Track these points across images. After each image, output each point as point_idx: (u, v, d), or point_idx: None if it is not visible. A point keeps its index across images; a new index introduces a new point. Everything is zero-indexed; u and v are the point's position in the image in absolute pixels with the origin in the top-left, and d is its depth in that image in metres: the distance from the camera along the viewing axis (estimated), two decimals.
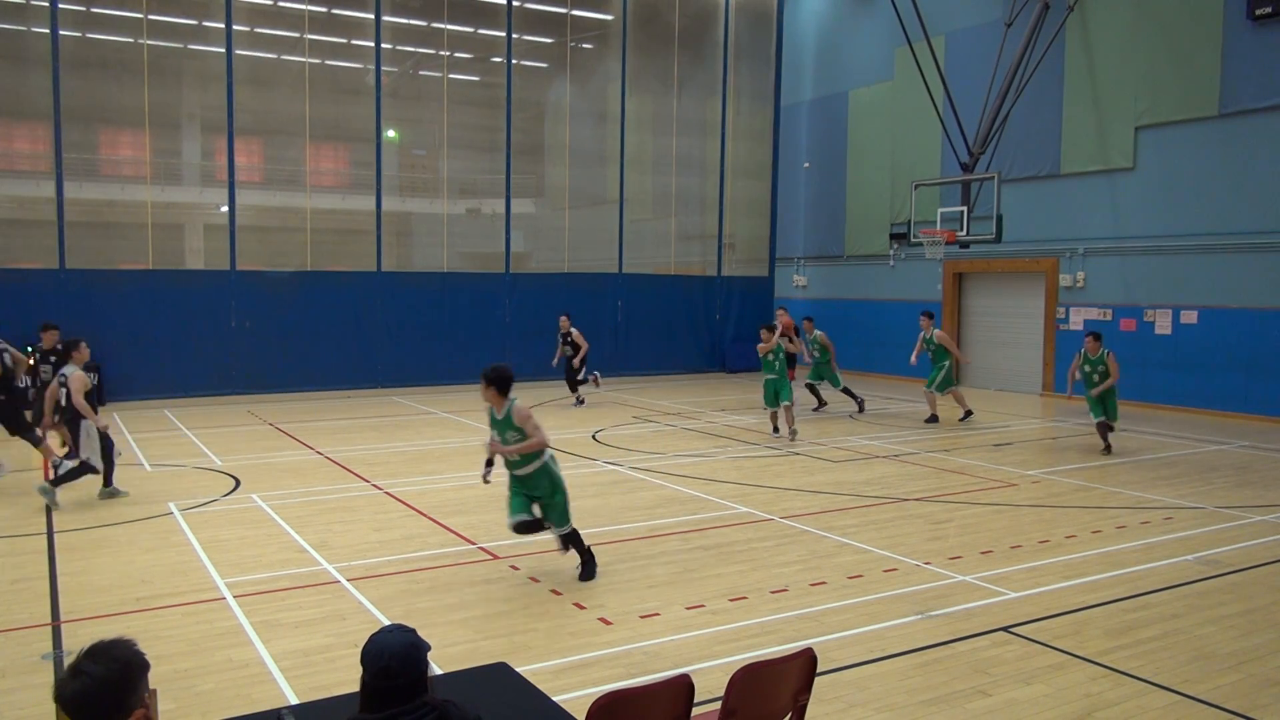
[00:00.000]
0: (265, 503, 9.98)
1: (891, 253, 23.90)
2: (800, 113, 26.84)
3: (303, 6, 20.51)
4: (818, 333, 17.73)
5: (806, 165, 26.80)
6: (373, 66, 20.90)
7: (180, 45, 20.33)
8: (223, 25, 19.29)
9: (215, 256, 19.90)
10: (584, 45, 24.56)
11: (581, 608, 6.78)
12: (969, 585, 7.37)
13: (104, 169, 19.95)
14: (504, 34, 22.17)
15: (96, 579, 7.45)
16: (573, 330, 16.85)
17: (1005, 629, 6.41)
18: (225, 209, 19.65)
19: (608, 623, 6.49)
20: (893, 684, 5.53)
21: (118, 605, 6.83)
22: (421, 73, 23.07)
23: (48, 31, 17.85)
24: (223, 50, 19.32)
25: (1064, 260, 20.16)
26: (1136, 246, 18.84)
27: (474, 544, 8.45)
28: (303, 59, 20.77)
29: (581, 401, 18.36)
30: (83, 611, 6.71)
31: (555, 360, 18.66)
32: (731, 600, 6.97)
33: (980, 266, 22.11)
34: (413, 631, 2.88)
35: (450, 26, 22.14)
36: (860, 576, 7.57)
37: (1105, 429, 13.27)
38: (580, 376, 18.20)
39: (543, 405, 17.81)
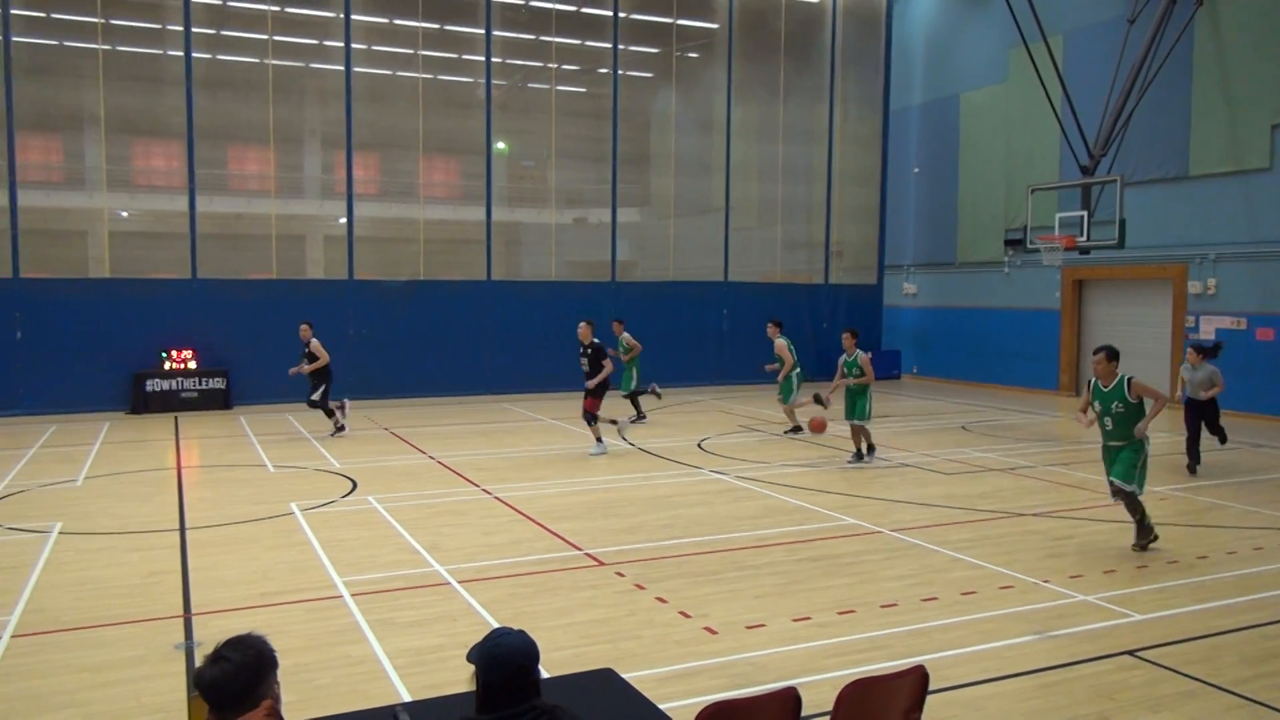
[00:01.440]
0: (380, 505, 10.29)
1: (1006, 259, 23.18)
2: (909, 117, 26.32)
3: (417, 24, 21.15)
4: (625, 335, 17.20)
5: (916, 170, 26.26)
6: (483, 80, 21.40)
7: (303, 64, 21.21)
8: (342, 44, 20.05)
9: (334, 266, 20.67)
10: (689, 55, 24.64)
11: (687, 616, 6.76)
12: (1091, 605, 7.07)
13: (232, 184, 20.97)
14: (610, 45, 22.42)
15: (224, 574, 7.79)
16: (595, 341, 13.96)
17: (1130, 653, 6.12)
18: (344, 221, 20.40)
19: (713, 632, 6.46)
20: (1010, 705, 5.33)
21: (243, 600, 7.13)
22: (530, 85, 23.51)
23: (182, 55, 18.86)
24: (342, 68, 20.08)
25: (1193, 266, 19.20)
26: (1274, 251, 17.82)
27: (579, 550, 8.53)
28: (417, 75, 21.41)
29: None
30: (212, 605, 7.02)
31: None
32: (839, 613, 6.85)
33: (1102, 273, 21.25)
34: (527, 634, 2.92)
35: (558, 40, 22.51)
36: (974, 593, 7.34)
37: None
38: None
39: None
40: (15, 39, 17.76)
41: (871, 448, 13.11)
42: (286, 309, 19.33)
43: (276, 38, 20.13)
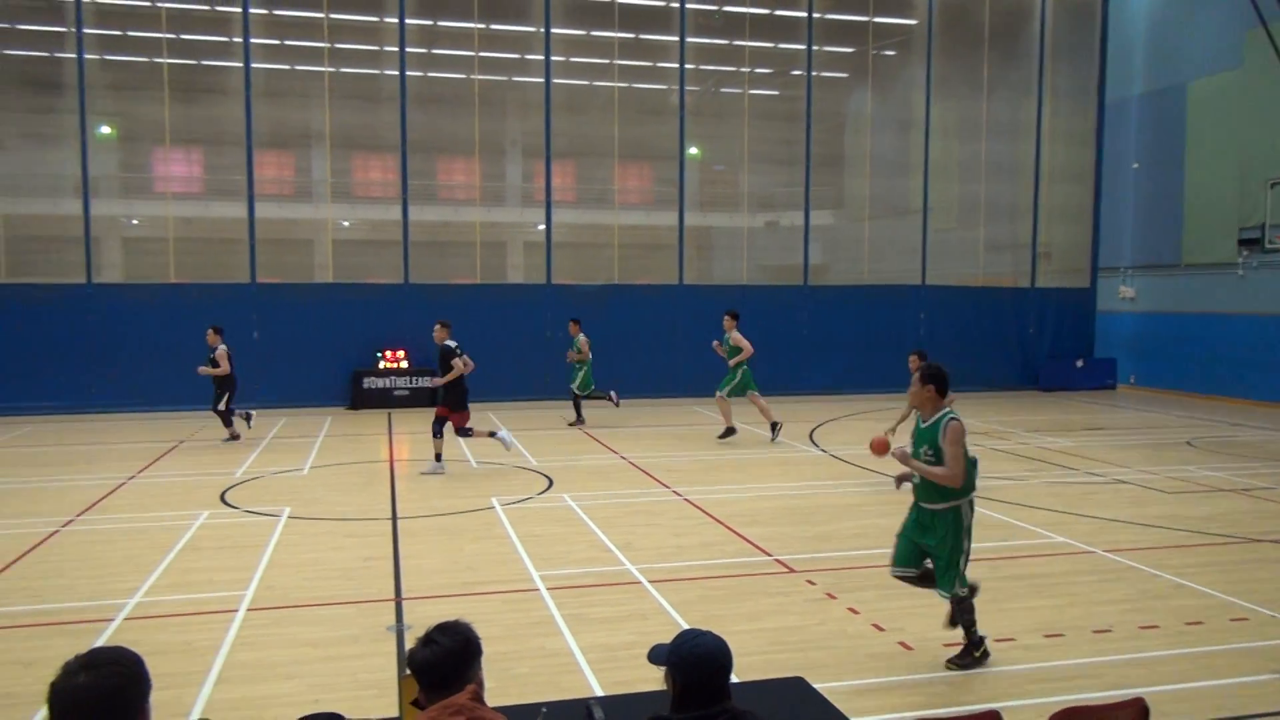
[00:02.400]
0: (575, 503, 10.58)
1: (1241, 260, 21.23)
2: (1128, 109, 24.57)
3: (613, 34, 21.65)
4: (581, 336, 17.22)
5: (1136, 166, 24.47)
6: (676, 87, 21.65)
7: (505, 78, 22.16)
8: (542, 57, 20.79)
9: (533, 271, 21.49)
10: (886, 52, 24.01)
11: (880, 629, 6.57)
12: None
13: (440, 193, 22.19)
14: (804, 47, 22.16)
15: (431, 563, 8.24)
16: (447, 343, 12.71)
17: None
18: (542, 227, 21.15)
19: (908, 647, 6.25)
20: None
21: (448, 588, 7.51)
22: (723, 90, 23.58)
23: (397, 74, 20.10)
24: (541, 80, 20.83)
25: None
26: None
27: (769, 555, 8.46)
28: (612, 84, 21.91)
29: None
30: (419, 591, 7.44)
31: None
32: (1046, 636, 6.47)
33: None
34: (720, 637, 2.93)
35: (751, 43, 22.47)
36: (1200, 623, 6.76)
37: None
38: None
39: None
40: (254, 65, 19.44)
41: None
42: (489, 312, 20.22)
43: (482, 54, 21.12)
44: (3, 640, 6.40)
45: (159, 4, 19.73)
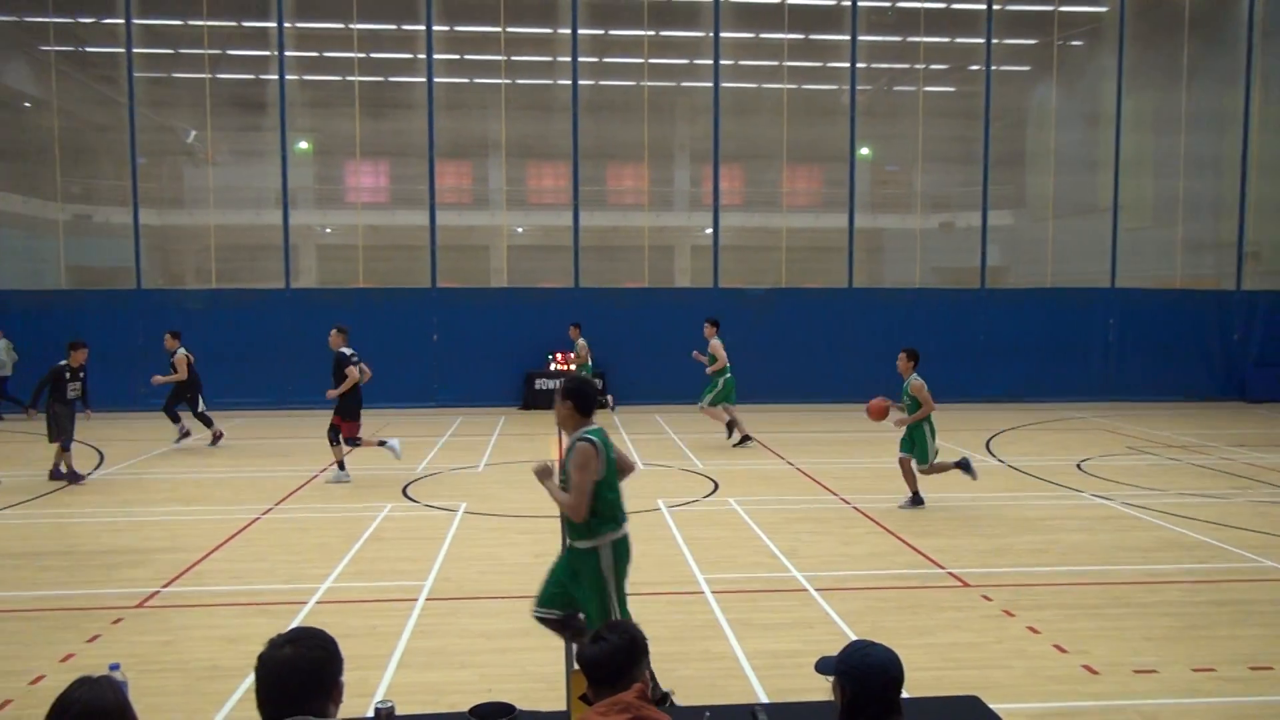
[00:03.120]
0: (740, 507, 10.54)
1: None
2: None
3: (782, 36, 21.47)
4: (581, 341, 17.39)
5: None
6: (847, 87, 21.24)
7: (674, 84, 22.36)
8: (711, 61, 20.84)
9: (700, 275, 21.58)
10: (1073, 43, 22.78)
11: (1063, 651, 6.22)
12: None
13: (610, 199, 22.62)
14: (983, 41, 21.29)
15: None
16: (342, 350, 12.27)
17: None
18: (710, 231, 21.20)
19: (1093, 671, 5.88)
20: None
21: None
22: (896, 88, 22.98)
23: (569, 83, 20.61)
24: (710, 85, 20.88)
25: None
26: None
27: (942, 568, 8.16)
28: (781, 86, 21.74)
29: None
30: None
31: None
32: (1252, 669, 5.95)
33: None
34: (892, 650, 2.85)
35: (926, 39, 21.79)
36: None
37: None
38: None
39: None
40: (437, 80, 20.39)
41: (916, 496, 10.62)
42: (657, 316, 20.43)
43: (652, 60, 21.40)
44: (211, 616, 6.95)
45: (351, 26, 21.01)
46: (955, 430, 16.67)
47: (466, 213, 22.79)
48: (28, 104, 23.02)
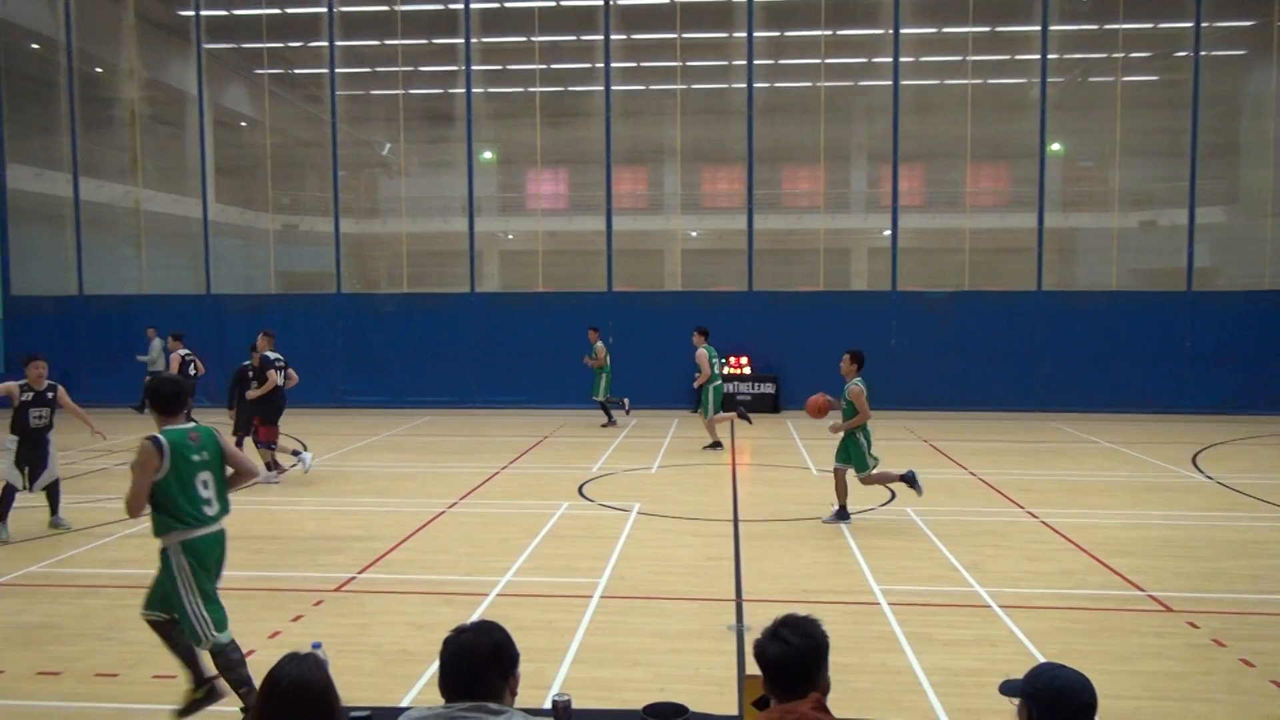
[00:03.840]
0: (919, 517, 10.21)
1: None
2: None
3: (966, 29, 20.67)
4: (599, 344, 17.50)
5: None
6: (1037, 79, 20.21)
7: (851, 83, 21.93)
8: (890, 60, 20.30)
9: (877, 278, 21.05)
10: None
11: None
12: None
13: (785, 201, 22.41)
14: (1191, 25, 19.78)
15: (771, 566, 8.32)
16: (267, 354, 12.63)
17: None
18: (888, 233, 20.65)
19: None
20: None
21: (787, 593, 7.53)
22: (1091, 79, 21.70)
23: (744, 86, 20.56)
24: (889, 83, 20.34)
25: None
26: None
27: (1142, 590, 7.62)
28: (965, 81, 20.93)
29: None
30: (759, 594, 7.53)
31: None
32: None
33: None
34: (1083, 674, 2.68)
35: (1126, 26, 20.45)
36: None
37: None
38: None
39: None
40: (614, 88, 20.79)
41: (843, 510, 10.07)
42: (832, 320, 20.07)
43: (828, 61, 21.06)
44: (401, 603, 7.33)
45: (533, 38, 21.74)
46: (1158, 444, 15.58)
47: (642, 217, 23.14)
48: (244, 123, 25.08)
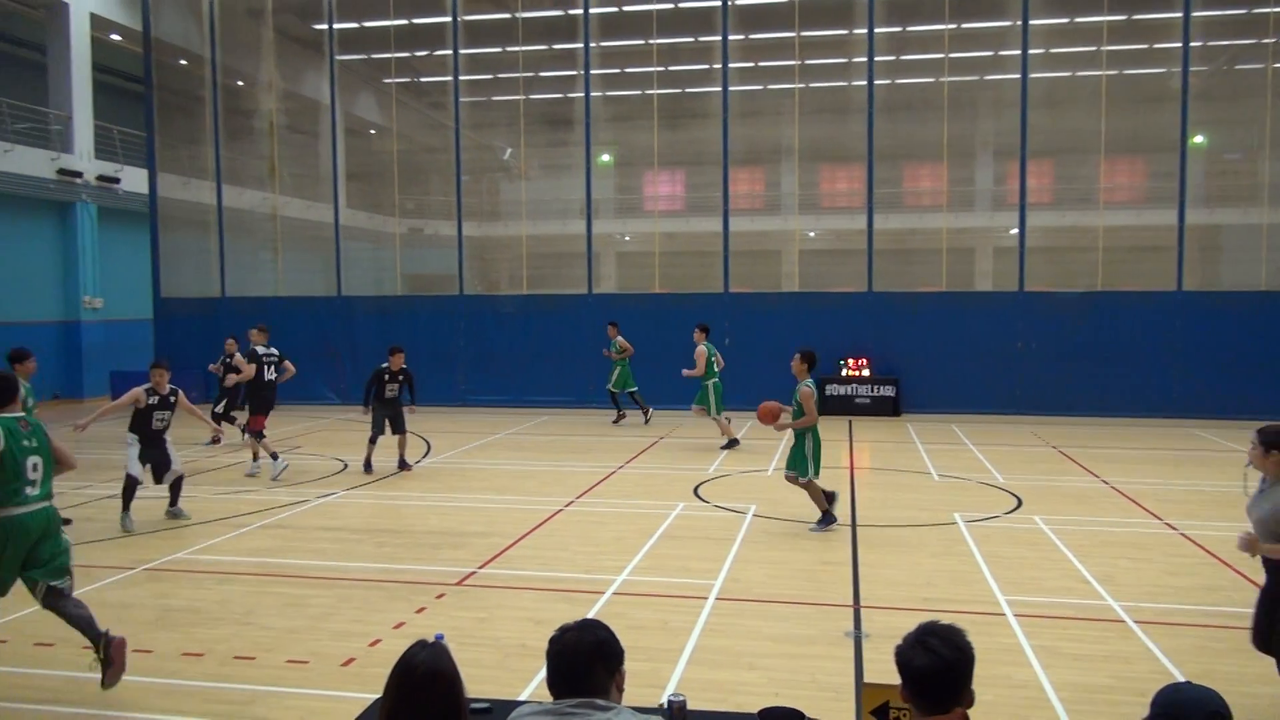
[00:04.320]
0: (1047, 526, 9.82)
1: None
2: None
3: (1100, 18, 19.78)
4: (620, 339, 17.84)
5: None
6: (1178, 69, 19.19)
7: (976, 78, 21.28)
8: (1018, 52, 19.59)
9: (1003, 278, 20.35)
10: None
11: None
12: None
13: (906, 200, 21.91)
14: None
15: (889, 573, 8.14)
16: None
17: None
18: (1015, 231, 19.94)
19: None
20: None
21: (905, 601, 7.36)
22: (1238, 66, 20.48)
23: (864, 84, 20.18)
24: (1017, 76, 19.64)
25: None
26: None
27: None
28: (1099, 72, 20.04)
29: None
30: (877, 600, 7.37)
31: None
32: None
33: None
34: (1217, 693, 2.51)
35: (1278, 10, 19.22)
36: None
37: None
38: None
39: None
40: (731, 89, 20.69)
41: (826, 515, 9.75)
42: (955, 321, 19.52)
43: (952, 55, 20.49)
44: (520, 599, 7.47)
45: (651, 41, 21.87)
46: None
47: (759, 218, 22.99)
48: (373, 131, 26.03)
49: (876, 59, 20.19)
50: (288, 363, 13.61)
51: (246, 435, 13.41)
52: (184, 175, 23.18)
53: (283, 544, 9.28)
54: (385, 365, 13.12)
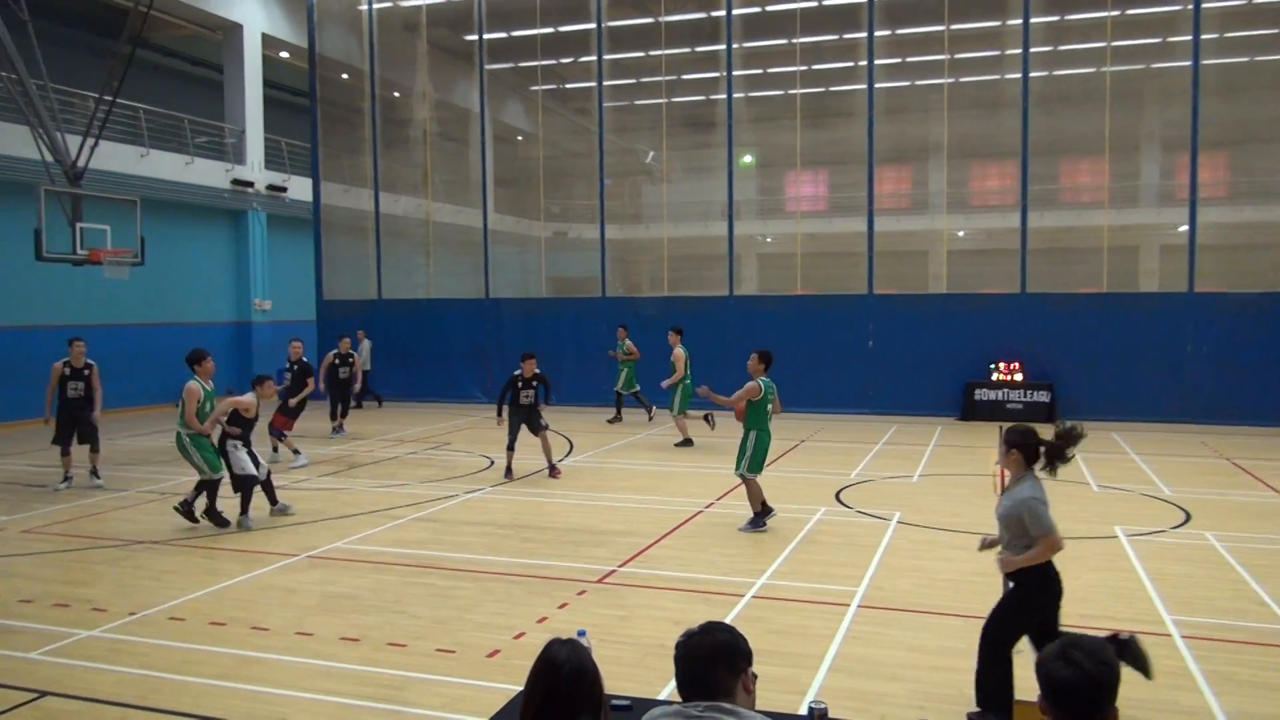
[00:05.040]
0: (1219, 543, 9.18)
1: None
2: None
3: None
4: (628, 341, 18.11)
5: None
6: None
7: (1142, 66, 20.12)
8: (1189, 38, 18.40)
9: (1171, 278, 19.17)
10: None
11: None
12: None
13: (1063, 197, 20.91)
14: None
15: None
16: (303, 359, 14.47)
17: None
18: (1184, 228, 18.73)
19: None
20: None
21: (1062, 617, 7.00)
22: None
23: (1019, 77, 19.38)
24: (1188, 63, 18.44)
25: None
26: None
27: None
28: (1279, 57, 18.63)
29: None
30: None
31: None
32: None
33: None
34: None
35: None
36: None
37: None
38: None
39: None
40: (877, 86, 20.22)
41: (756, 517, 9.80)
42: (1117, 323, 18.50)
43: (1115, 44, 19.42)
44: (659, 598, 7.52)
45: (794, 40, 21.62)
46: None
47: (905, 218, 22.41)
48: (520, 137, 26.74)
49: (1032, 50, 19.35)
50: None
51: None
52: (344, 183, 24.40)
53: (432, 537, 9.63)
54: (518, 372, 13.08)
